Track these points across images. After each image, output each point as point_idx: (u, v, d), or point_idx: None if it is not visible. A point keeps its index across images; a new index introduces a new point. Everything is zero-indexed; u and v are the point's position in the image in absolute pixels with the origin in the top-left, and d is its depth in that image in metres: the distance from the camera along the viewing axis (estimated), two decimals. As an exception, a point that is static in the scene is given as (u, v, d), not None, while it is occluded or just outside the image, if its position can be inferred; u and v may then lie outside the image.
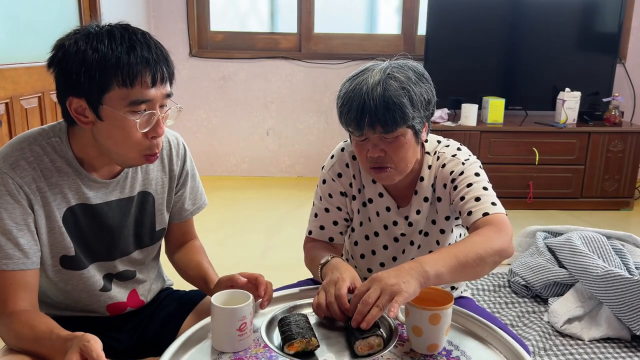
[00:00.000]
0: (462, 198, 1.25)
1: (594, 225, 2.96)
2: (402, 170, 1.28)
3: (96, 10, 3.17)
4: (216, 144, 4.45)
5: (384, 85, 1.19)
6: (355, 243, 1.44)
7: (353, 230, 1.44)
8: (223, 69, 4.30)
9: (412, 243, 1.40)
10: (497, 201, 1.24)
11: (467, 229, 1.25)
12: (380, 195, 1.39)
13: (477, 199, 1.23)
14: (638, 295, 2.05)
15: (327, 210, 1.43)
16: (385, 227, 1.40)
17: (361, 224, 1.42)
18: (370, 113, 1.19)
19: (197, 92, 4.33)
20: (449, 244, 1.39)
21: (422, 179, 1.36)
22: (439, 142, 1.39)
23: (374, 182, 1.39)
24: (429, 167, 1.36)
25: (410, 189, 1.38)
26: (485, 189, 1.25)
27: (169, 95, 1.14)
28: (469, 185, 1.26)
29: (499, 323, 1.36)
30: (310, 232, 1.45)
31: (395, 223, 1.39)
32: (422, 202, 1.37)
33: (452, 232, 1.39)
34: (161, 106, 1.13)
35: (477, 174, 1.28)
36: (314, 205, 1.46)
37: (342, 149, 1.43)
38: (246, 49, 4.33)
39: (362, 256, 1.44)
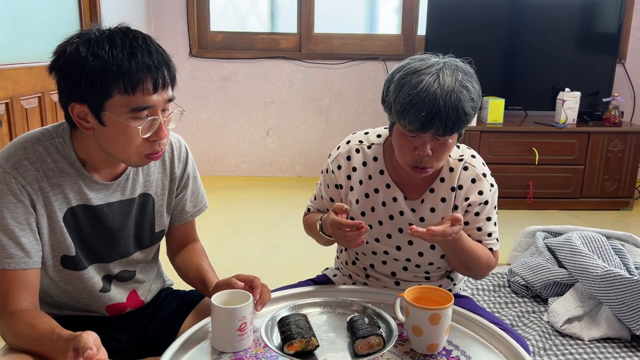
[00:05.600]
0: (479, 229, 1.40)
1: (594, 225, 2.96)
2: (437, 168, 1.33)
3: (96, 11, 3.16)
4: (216, 144, 4.45)
5: (458, 95, 1.21)
6: None
7: (353, 220, 1.45)
8: (223, 69, 4.30)
9: None
10: (499, 235, 1.45)
11: None
12: (388, 186, 1.42)
13: (489, 235, 1.41)
14: (638, 295, 2.05)
15: (322, 197, 1.51)
16: (391, 217, 1.42)
17: (363, 213, 1.44)
18: (440, 119, 1.20)
19: (197, 92, 4.33)
20: None
21: (442, 179, 1.39)
22: (458, 147, 1.42)
23: (381, 173, 1.41)
24: (451, 169, 1.39)
25: (423, 184, 1.40)
26: (495, 224, 1.43)
27: (170, 100, 1.14)
28: (488, 219, 1.41)
29: (499, 322, 1.37)
30: (308, 210, 1.56)
31: (401, 213, 1.41)
32: (438, 202, 1.39)
33: None
34: (163, 110, 1.13)
35: (495, 207, 1.42)
36: (317, 185, 1.55)
37: (348, 142, 1.48)
38: (246, 49, 4.33)
39: (367, 243, 1.45)
